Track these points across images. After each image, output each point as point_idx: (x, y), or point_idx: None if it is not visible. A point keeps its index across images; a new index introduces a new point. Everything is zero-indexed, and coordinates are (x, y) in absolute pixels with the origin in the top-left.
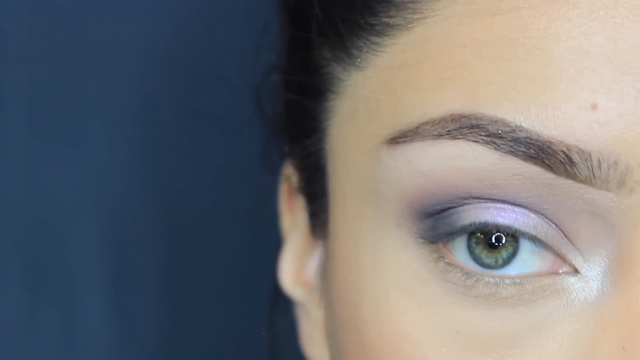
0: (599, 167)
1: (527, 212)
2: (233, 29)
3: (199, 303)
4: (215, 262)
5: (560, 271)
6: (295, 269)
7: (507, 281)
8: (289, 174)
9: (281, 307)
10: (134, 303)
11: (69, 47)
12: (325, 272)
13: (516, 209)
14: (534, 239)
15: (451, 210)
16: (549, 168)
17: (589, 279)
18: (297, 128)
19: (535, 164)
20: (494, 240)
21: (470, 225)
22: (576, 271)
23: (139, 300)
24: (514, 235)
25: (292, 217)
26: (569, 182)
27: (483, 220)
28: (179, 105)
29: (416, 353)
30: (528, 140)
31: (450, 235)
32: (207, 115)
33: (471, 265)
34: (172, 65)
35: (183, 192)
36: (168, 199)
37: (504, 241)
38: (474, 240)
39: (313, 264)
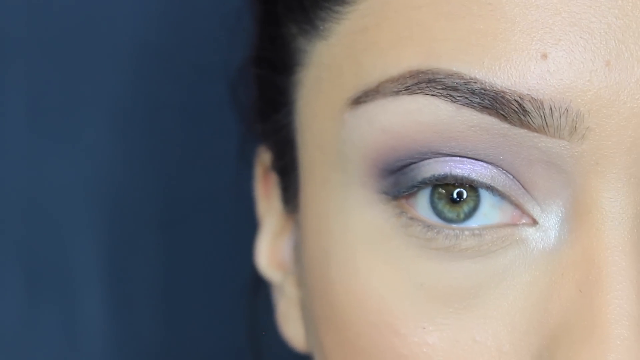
0: (551, 115)
1: (484, 164)
2: (208, 21)
3: (198, 299)
4: (212, 257)
5: (519, 223)
6: (271, 251)
7: (466, 232)
8: (263, 154)
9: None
10: (133, 300)
11: (63, 44)
12: (298, 245)
13: (474, 162)
14: (492, 189)
15: (412, 166)
16: (504, 118)
17: (547, 228)
18: (267, 104)
19: (490, 114)
20: (455, 196)
21: (430, 177)
22: (535, 222)
23: (137, 297)
24: (475, 189)
25: (267, 201)
26: (523, 131)
27: (442, 173)
28: (177, 102)
29: (382, 308)
30: (482, 91)
31: (411, 188)
32: (190, 105)
33: (433, 219)
34: (158, 60)
35: (179, 188)
36: (163, 194)
37: (465, 196)
38: (436, 195)
39: (287, 244)
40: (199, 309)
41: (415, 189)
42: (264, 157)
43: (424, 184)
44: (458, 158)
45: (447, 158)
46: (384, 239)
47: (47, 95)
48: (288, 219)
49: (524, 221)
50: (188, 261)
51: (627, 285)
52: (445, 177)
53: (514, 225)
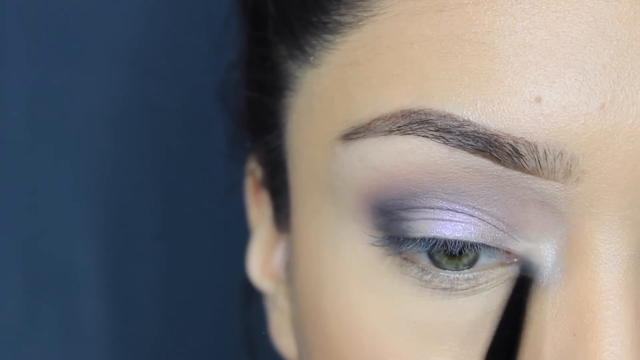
0: (545, 158)
1: (473, 220)
2: (196, 27)
3: (198, 299)
4: (212, 257)
5: (511, 262)
6: (263, 261)
7: (463, 277)
8: (253, 168)
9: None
10: (133, 300)
11: (62, 46)
12: (290, 266)
13: (462, 218)
14: (483, 246)
15: (403, 214)
16: (497, 160)
17: (539, 266)
18: (257, 124)
19: (484, 156)
20: (455, 253)
21: (420, 240)
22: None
23: (137, 297)
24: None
25: (259, 210)
26: (517, 173)
27: (432, 235)
28: (177, 103)
29: (375, 343)
30: (476, 134)
31: (405, 241)
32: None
33: (427, 261)
34: (159, 61)
35: (179, 188)
36: (163, 194)
37: (465, 251)
38: (435, 248)
39: (279, 256)
40: (198, 309)
41: (409, 245)
42: (255, 170)
43: (413, 242)
44: (449, 214)
45: (437, 213)
46: (377, 275)
47: (47, 96)
48: (280, 235)
49: (516, 260)
50: (188, 261)
51: (622, 331)
52: (434, 239)
53: (507, 264)
